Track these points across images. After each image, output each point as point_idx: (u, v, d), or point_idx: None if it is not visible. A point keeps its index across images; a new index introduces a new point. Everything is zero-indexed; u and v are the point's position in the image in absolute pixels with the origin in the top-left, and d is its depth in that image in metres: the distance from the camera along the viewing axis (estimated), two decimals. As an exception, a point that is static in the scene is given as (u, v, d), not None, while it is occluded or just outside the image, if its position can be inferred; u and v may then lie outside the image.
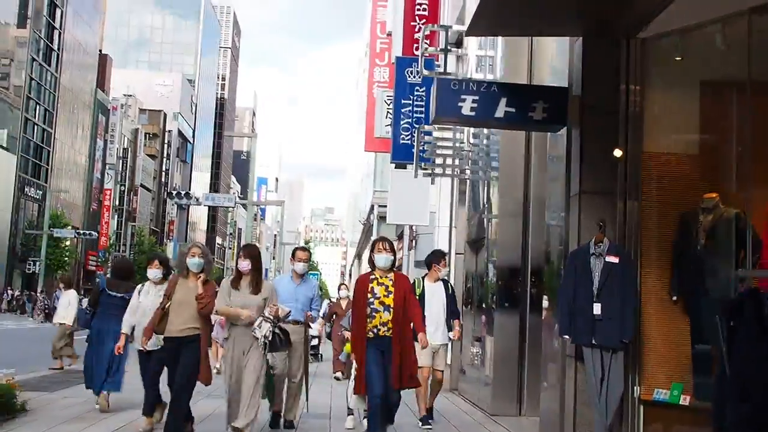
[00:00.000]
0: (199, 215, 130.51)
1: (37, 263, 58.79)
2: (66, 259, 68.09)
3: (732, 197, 6.71)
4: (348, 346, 9.35)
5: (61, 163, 75.91)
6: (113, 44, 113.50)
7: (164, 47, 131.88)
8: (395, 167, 20.61)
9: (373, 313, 7.05)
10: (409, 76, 20.19)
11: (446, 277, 9.96)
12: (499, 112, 7.04)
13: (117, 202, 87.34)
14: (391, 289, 7.07)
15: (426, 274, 9.57)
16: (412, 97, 19.97)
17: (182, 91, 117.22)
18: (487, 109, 7.04)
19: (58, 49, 74.24)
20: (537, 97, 7.31)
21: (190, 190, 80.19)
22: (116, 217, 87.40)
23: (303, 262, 8.71)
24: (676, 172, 7.11)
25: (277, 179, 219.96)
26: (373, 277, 7.23)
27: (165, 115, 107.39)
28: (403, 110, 19.90)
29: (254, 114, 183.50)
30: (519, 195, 10.74)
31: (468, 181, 13.39)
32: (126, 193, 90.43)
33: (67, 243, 68.64)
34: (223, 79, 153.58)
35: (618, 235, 7.05)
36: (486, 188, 12.52)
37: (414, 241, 24.39)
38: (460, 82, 7.35)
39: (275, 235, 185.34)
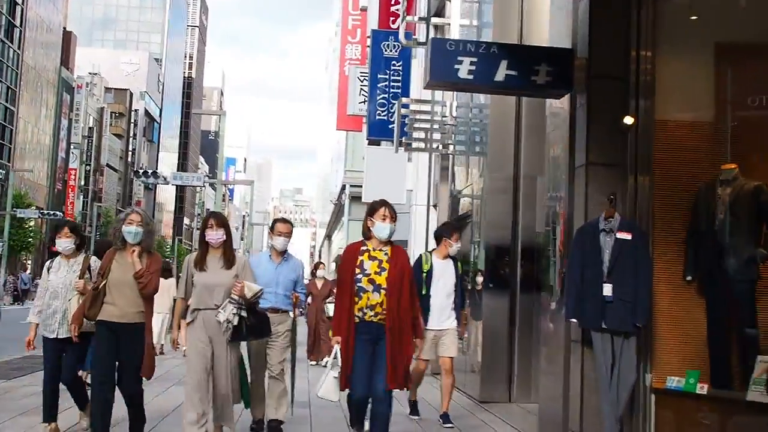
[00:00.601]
0: (166, 196, 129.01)
1: (0, 244, 57.27)
2: (30, 240, 66.70)
3: (753, 168, 6.19)
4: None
5: (24, 143, 74.26)
6: (78, 23, 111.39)
7: (130, 25, 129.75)
8: (369, 144, 20.00)
9: (360, 293, 5.81)
10: (386, 50, 19.53)
11: (456, 255, 8.64)
12: (500, 76, 6.40)
13: (82, 182, 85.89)
14: (386, 265, 5.87)
15: (434, 249, 8.59)
16: (388, 72, 19.32)
17: (149, 70, 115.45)
18: (486, 73, 6.39)
19: (21, 25, 72.41)
20: (540, 60, 6.68)
21: (157, 169, 79.21)
22: (82, 197, 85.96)
23: (284, 236, 7.35)
24: (691, 142, 6.56)
25: (245, 160, 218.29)
26: (364, 248, 5.95)
27: (131, 94, 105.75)
28: (379, 85, 19.25)
29: (222, 94, 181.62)
30: (509, 170, 10.16)
31: (450, 156, 12.79)
32: (92, 173, 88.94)
33: (32, 224, 67.22)
34: (191, 58, 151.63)
35: (628, 210, 6.49)
36: (471, 163, 11.95)
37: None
38: (456, 42, 6.69)
39: (244, 215, 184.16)
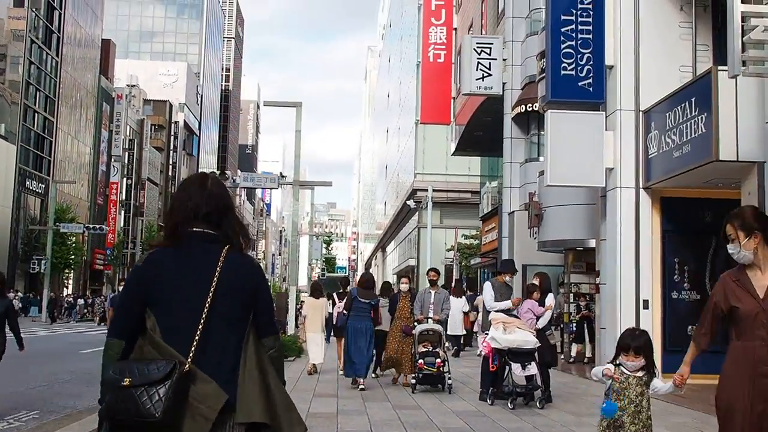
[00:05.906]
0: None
1: (42, 262, 52.66)
2: (72, 257, 62.51)
3: None
4: None
5: (64, 156, 70.22)
6: (113, 35, 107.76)
7: (167, 36, 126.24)
8: (549, 109, 15.17)
9: None
10: (569, -15, 14.79)
11: None
12: None
13: (123, 197, 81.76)
14: None
15: None
16: (574, 12, 14.55)
17: (187, 82, 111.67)
18: None
19: (59, 31, 68.52)
20: None
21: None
22: (123, 212, 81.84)
23: None
24: None
25: (281, 174, 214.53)
26: None
27: (171, 105, 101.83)
28: (563, 29, 14.48)
29: (258, 107, 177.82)
30: None
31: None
32: (133, 187, 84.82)
33: (73, 240, 63.06)
34: (227, 70, 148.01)
35: None
36: None
37: (539, 218, 18.95)
38: None
39: (281, 231, 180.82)
